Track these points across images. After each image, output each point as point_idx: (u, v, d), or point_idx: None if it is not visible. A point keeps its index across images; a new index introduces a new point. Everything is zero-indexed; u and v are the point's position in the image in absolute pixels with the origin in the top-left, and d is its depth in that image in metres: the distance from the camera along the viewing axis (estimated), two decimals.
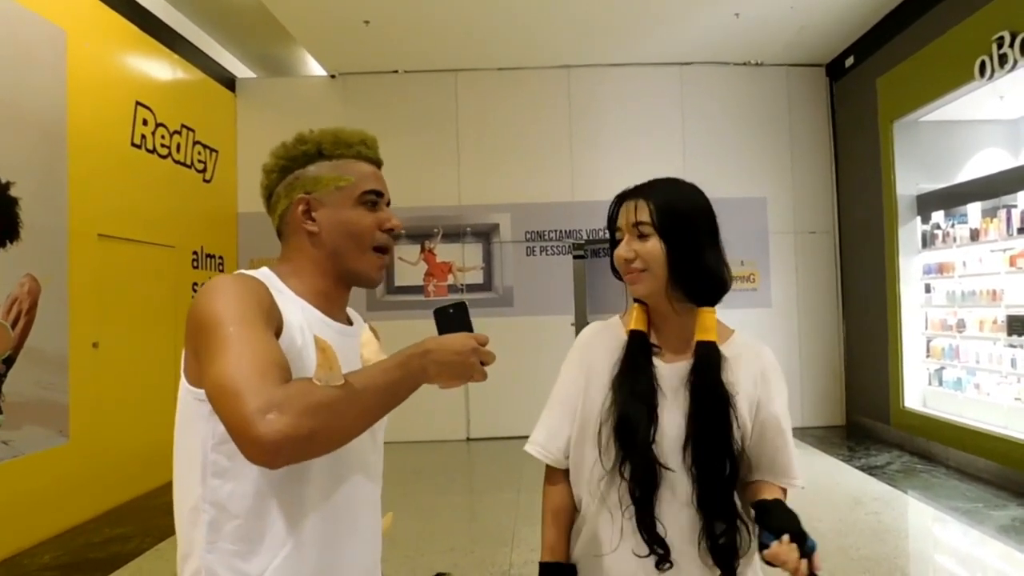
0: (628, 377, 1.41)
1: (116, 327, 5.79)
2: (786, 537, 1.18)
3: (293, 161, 1.23)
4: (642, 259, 1.40)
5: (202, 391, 1.04)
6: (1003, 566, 4.17)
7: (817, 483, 5.86)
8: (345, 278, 1.25)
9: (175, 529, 1.16)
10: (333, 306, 1.25)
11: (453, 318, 1.17)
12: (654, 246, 1.39)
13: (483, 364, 1.13)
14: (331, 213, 1.21)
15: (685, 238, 1.39)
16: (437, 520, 5.15)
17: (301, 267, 1.22)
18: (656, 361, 1.43)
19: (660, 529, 1.36)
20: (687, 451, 1.37)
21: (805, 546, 1.17)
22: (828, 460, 6.66)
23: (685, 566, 1.37)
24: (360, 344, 1.08)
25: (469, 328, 1.17)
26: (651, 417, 1.37)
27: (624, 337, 1.47)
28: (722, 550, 1.35)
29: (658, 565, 1.35)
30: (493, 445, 7.76)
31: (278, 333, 1.10)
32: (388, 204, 1.28)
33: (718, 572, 1.36)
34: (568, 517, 1.50)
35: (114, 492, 5.69)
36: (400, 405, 1.08)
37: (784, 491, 1.45)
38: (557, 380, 1.54)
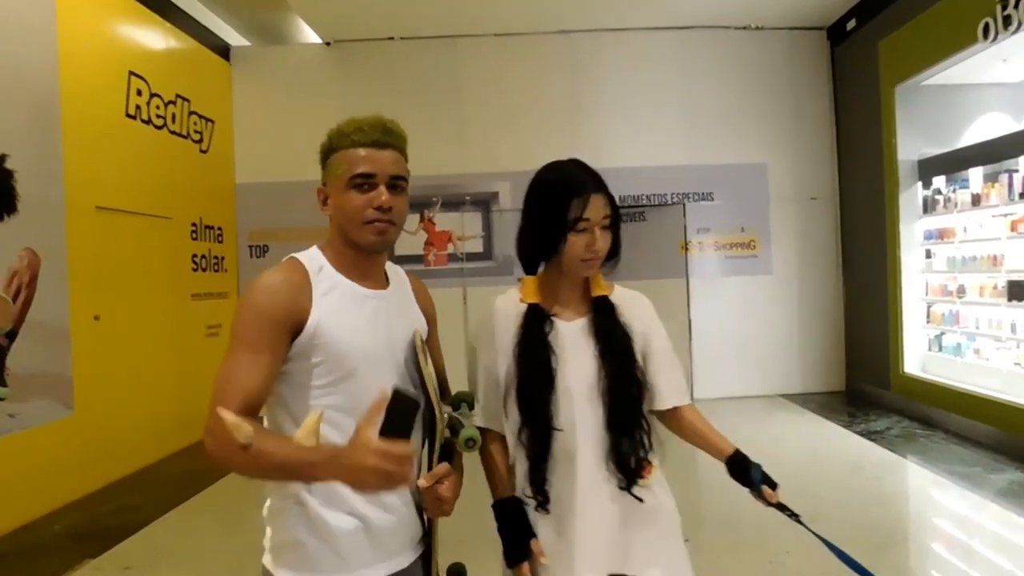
0: (526, 347, 1.60)
1: (116, 299, 5.78)
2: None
3: (322, 155, 1.48)
4: (604, 250, 1.61)
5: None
6: (1001, 529, 4.22)
7: (818, 449, 5.91)
8: (355, 247, 1.46)
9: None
10: (363, 272, 1.48)
11: (400, 417, 1.13)
12: (609, 237, 1.60)
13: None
14: (334, 198, 1.45)
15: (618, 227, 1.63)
16: None
17: (332, 241, 1.49)
18: (557, 322, 1.63)
19: (548, 483, 1.59)
20: (599, 383, 1.58)
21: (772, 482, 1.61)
22: (829, 426, 6.71)
23: (595, 500, 1.58)
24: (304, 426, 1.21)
25: (406, 432, 1.14)
26: (548, 383, 1.57)
27: (522, 306, 1.65)
28: (627, 464, 1.58)
29: (536, 508, 1.62)
30: None
31: (300, 327, 1.35)
32: (390, 178, 1.42)
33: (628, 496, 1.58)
34: (505, 465, 1.70)
35: (121, 463, 5.72)
36: None
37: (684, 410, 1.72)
38: (479, 359, 1.70)
